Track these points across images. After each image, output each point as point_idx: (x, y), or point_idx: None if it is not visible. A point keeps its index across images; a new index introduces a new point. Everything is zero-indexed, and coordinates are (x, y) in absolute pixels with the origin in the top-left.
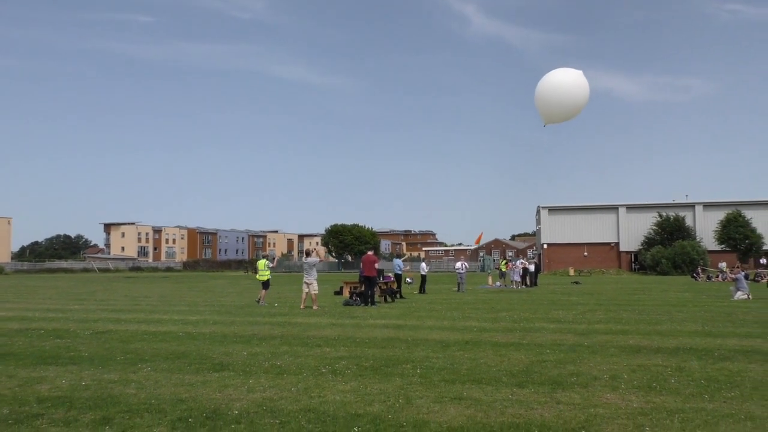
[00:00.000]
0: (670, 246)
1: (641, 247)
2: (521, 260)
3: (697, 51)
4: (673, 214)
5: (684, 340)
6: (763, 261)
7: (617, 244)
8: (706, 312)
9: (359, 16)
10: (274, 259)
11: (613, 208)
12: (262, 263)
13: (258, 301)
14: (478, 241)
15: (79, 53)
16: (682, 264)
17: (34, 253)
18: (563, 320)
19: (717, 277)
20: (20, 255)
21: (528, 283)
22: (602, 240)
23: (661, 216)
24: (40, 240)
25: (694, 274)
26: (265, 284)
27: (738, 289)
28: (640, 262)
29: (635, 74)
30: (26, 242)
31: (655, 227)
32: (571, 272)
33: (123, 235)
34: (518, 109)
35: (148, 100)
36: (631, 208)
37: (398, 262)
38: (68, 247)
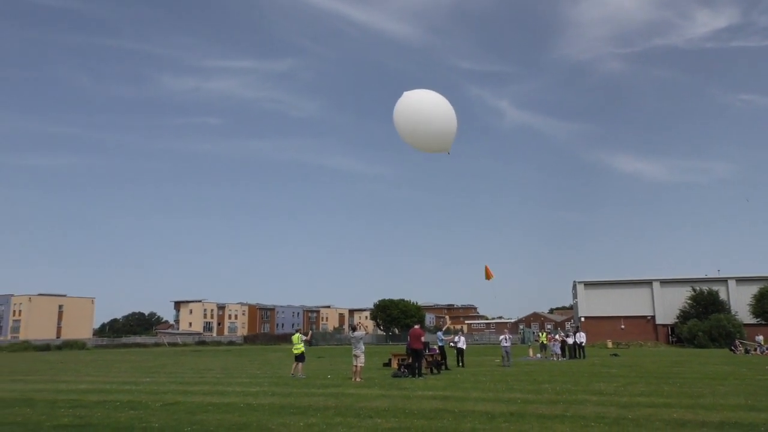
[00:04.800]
0: (705, 319)
1: (677, 320)
2: (578, 333)
3: (716, 136)
4: (707, 289)
5: (728, 414)
6: None
7: (653, 317)
8: (747, 385)
9: None
10: (308, 333)
11: (647, 283)
12: (296, 337)
13: (293, 375)
14: (488, 276)
15: (156, 152)
16: (719, 337)
17: (112, 330)
18: (605, 392)
19: (755, 350)
20: (101, 331)
21: (568, 355)
22: (638, 313)
23: (695, 290)
24: (118, 317)
25: (732, 347)
26: (300, 357)
27: None
28: (677, 335)
29: (659, 158)
30: (106, 319)
31: (689, 301)
32: (609, 345)
33: (191, 311)
34: (550, 189)
35: (215, 190)
36: (665, 282)
37: (440, 334)
38: (142, 323)
